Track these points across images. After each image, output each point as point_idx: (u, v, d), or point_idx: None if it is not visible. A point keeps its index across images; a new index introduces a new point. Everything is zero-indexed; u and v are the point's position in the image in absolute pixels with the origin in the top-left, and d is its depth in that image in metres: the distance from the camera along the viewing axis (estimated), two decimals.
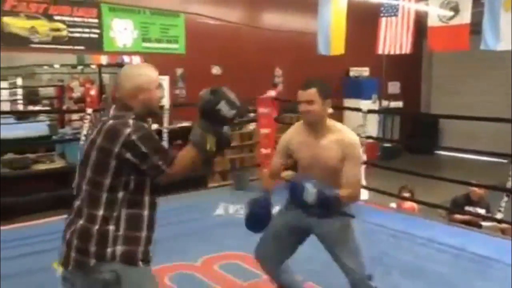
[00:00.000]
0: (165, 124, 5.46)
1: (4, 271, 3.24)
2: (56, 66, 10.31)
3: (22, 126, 8.72)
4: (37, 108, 10.35)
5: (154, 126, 5.49)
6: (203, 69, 7.58)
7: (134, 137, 1.76)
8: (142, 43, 6.76)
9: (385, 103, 10.92)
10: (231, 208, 4.96)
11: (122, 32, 6.50)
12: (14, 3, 5.49)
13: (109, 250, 1.77)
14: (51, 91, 10.86)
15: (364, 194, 5.43)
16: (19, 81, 10.54)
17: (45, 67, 10.62)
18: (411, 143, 11.88)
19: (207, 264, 3.51)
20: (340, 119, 9.87)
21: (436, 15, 6.06)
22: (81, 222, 1.80)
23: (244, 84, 7.27)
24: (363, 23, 7.99)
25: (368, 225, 4.42)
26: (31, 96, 10.99)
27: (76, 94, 9.59)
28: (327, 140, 2.42)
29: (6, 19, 5.48)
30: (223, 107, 1.83)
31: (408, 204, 5.37)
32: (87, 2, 6.17)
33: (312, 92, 2.41)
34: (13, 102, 10.55)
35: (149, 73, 1.93)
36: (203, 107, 1.85)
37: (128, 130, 1.76)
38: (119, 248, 1.78)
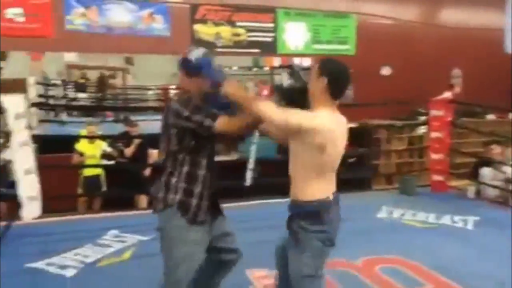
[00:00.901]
0: None
1: None
2: (234, 68, 11.33)
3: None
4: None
5: None
6: (372, 69, 7.44)
7: (175, 106, 2.16)
8: (313, 45, 6.98)
9: None
10: (395, 212, 4.81)
11: (295, 35, 6.82)
12: (204, 12, 6.23)
13: (170, 196, 2.20)
14: None
15: None
16: None
17: (225, 69, 11.74)
18: None
19: (368, 264, 3.48)
20: None
21: None
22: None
23: (417, 85, 6.95)
24: None
25: None
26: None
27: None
28: None
29: (196, 27, 6.24)
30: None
31: None
32: (265, 8, 6.64)
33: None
34: None
35: None
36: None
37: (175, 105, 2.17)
38: (177, 197, 2.19)
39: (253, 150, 4.71)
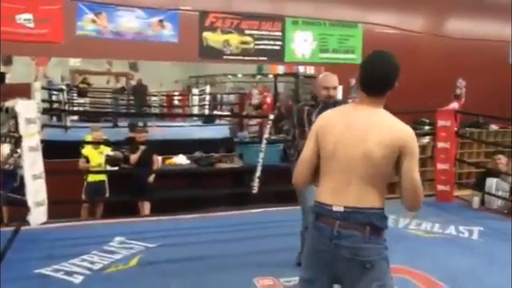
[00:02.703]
0: None
1: (181, 255, 3.74)
2: (239, 75, 11.38)
3: (207, 128, 9.86)
4: (222, 113, 11.58)
5: None
6: None
7: None
8: (319, 54, 7.01)
9: None
10: (401, 221, 4.80)
11: (302, 43, 6.86)
12: (213, 19, 6.27)
13: None
14: (232, 98, 12.03)
15: None
16: (208, 89, 11.91)
17: (230, 76, 11.81)
18: None
19: None
20: None
21: None
22: None
23: (422, 95, 6.96)
24: None
25: None
26: (216, 102, 12.33)
27: (255, 101, 10.42)
28: None
29: (205, 34, 6.28)
30: None
31: None
32: (274, 16, 6.67)
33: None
34: (201, 106, 11.98)
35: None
36: None
37: None
38: None
39: (261, 158, 4.73)
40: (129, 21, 5.76)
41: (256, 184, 4.78)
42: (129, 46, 5.96)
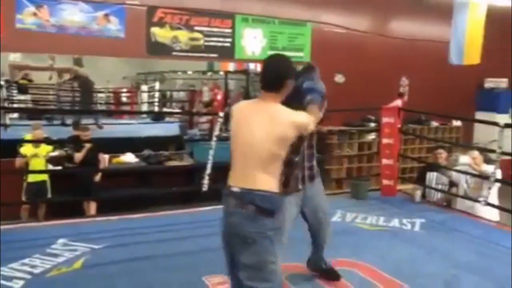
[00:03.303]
0: None
1: (130, 255, 3.67)
2: (189, 72, 11.26)
3: (157, 126, 9.67)
4: (172, 110, 11.40)
5: None
6: (326, 77, 7.59)
7: None
8: (269, 51, 7.07)
9: None
10: (348, 216, 4.93)
11: (252, 40, 6.89)
12: (161, 15, 6.15)
13: None
14: (182, 95, 11.88)
15: (495, 215, 5.03)
16: (157, 86, 11.69)
17: (179, 73, 11.65)
18: None
19: None
20: (470, 132, 9.20)
21: None
22: None
23: (368, 92, 7.19)
24: (503, 31, 7.38)
25: (499, 247, 4.12)
26: (165, 99, 12.13)
27: (205, 98, 10.35)
28: None
29: (153, 30, 6.16)
30: None
31: None
32: (223, 13, 6.65)
33: None
34: (150, 103, 11.75)
35: None
36: None
37: None
38: None
39: (211, 155, 4.69)
40: (72, 15, 5.55)
41: (206, 182, 4.75)
42: (72, 40, 5.74)
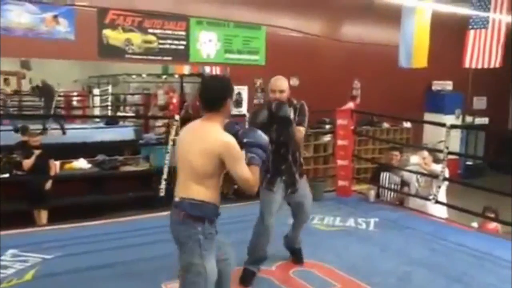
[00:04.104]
0: None
1: (87, 264, 3.57)
2: (144, 75, 11.04)
3: (111, 130, 9.42)
4: (127, 114, 11.13)
5: None
6: None
7: None
8: (224, 55, 7.08)
9: (469, 119, 10.40)
10: None
11: (207, 43, 6.86)
12: (113, 17, 6.01)
13: None
14: (136, 98, 11.62)
15: (443, 212, 5.26)
16: (110, 89, 11.38)
17: (134, 76, 11.40)
18: (497, 161, 11.18)
19: (282, 270, 3.58)
20: (419, 133, 9.59)
21: None
22: None
23: (322, 95, 7.33)
24: (447, 35, 7.74)
25: (448, 243, 4.31)
26: (119, 103, 11.84)
27: (161, 102, 10.19)
28: None
29: (105, 32, 6.00)
30: None
31: (492, 225, 5.09)
32: (178, 16, 6.58)
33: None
34: (103, 107, 11.42)
35: None
36: None
37: None
38: None
39: (167, 159, 4.63)
40: (18, 16, 5.31)
41: (163, 186, 4.68)
42: (19, 42, 5.50)
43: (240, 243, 3.25)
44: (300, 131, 3.38)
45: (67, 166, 6.50)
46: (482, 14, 6.20)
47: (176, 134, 4.71)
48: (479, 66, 6.40)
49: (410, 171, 5.49)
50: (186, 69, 8.90)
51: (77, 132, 8.95)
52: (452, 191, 5.43)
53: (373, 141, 8.83)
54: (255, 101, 7.87)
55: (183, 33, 6.66)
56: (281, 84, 3.39)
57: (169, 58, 6.68)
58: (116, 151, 7.22)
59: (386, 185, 5.68)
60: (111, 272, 3.50)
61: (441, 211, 5.22)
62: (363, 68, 8.56)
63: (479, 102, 10.98)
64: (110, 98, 11.42)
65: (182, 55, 6.72)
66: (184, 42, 6.69)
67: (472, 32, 6.37)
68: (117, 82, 11.52)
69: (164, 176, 4.64)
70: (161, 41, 6.48)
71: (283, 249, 3.86)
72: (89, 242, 4.11)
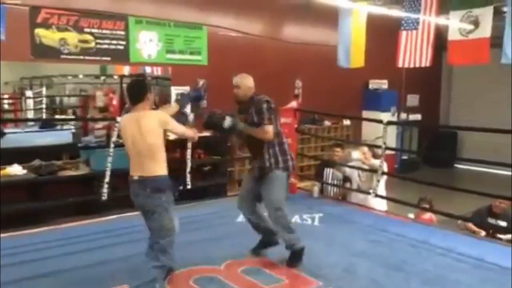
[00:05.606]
0: None
1: (30, 273, 3.41)
2: (80, 76, 10.61)
3: (47, 134, 8.98)
4: (65, 116, 10.64)
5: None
6: (225, 80, 7.70)
7: None
8: (166, 55, 6.97)
9: (403, 115, 10.94)
10: None
11: (147, 43, 6.72)
12: (46, 15, 5.73)
13: None
14: (74, 100, 11.15)
15: (383, 205, 5.51)
16: (44, 91, 10.84)
17: (69, 77, 10.93)
18: (430, 155, 11.86)
19: (230, 268, 3.60)
20: (358, 130, 9.95)
21: (456, 28, 6.11)
22: None
23: (268, 95, 7.40)
24: (382, 36, 8.08)
25: (388, 234, 4.51)
26: (55, 105, 11.30)
27: (100, 103, 9.85)
28: None
29: (38, 31, 5.72)
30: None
31: (427, 216, 5.40)
32: (116, 15, 6.40)
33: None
34: (38, 110, 10.86)
35: None
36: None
37: None
38: None
39: (109, 162, 4.50)
40: None
41: (105, 190, 4.54)
42: None
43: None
44: (264, 130, 3.61)
45: (1, 172, 6.11)
46: (414, 15, 6.53)
47: (118, 136, 4.58)
48: (411, 65, 6.72)
49: (352, 167, 5.69)
50: (126, 70, 8.66)
51: (9, 137, 8.46)
52: (390, 184, 5.70)
53: (315, 139, 9.06)
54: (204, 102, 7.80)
55: (122, 32, 6.48)
56: (236, 80, 3.82)
57: (108, 58, 6.48)
58: (53, 155, 6.89)
59: (330, 181, 5.85)
60: (53, 281, 3.37)
61: (381, 204, 5.47)
62: (304, 67, 8.75)
63: (412, 100, 11.59)
64: (44, 100, 10.89)
65: (121, 55, 6.54)
66: (123, 42, 6.52)
67: (404, 33, 6.68)
68: (51, 84, 10.99)
69: (107, 179, 4.50)
70: (98, 41, 6.27)
71: (231, 248, 3.88)
72: (28, 251, 3.92)
